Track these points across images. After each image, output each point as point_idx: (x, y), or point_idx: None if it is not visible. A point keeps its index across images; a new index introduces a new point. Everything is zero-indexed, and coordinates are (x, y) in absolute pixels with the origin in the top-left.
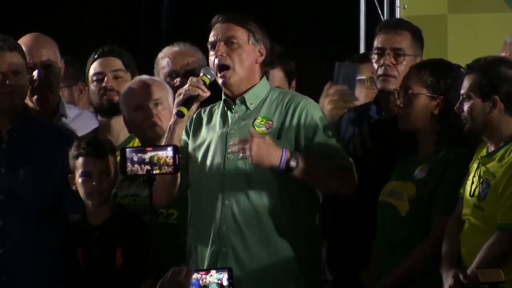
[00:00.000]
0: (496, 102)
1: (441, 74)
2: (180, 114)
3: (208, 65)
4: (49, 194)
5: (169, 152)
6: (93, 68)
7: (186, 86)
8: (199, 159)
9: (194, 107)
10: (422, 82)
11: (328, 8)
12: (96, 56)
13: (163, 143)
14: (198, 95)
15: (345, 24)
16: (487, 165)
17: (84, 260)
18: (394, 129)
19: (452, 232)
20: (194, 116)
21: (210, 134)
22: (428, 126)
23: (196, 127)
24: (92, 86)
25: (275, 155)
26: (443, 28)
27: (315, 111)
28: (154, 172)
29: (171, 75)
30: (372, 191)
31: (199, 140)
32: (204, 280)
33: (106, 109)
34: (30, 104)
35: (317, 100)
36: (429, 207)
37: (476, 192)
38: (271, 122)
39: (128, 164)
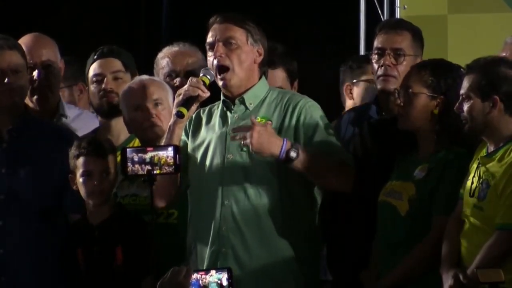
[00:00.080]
0: (496, 102)
1: (441, 74)
2: (180, 115)
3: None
4: (49, 194)
5: (170, 152)
6: (92, 69)
7: (186, 87)
8: (199, 159)
9: (194, 107)
10: (423, 82)
11: (328, 8)
12: (95, 56)
13: (162, 143)
14: (198, 95)
15: (345, 24)
16: (487, 165)
17: (84, 260)
18: (394, 129)
19: (452, 232)
20: (193, 116)
21: (209, 134)
22: (428, 126)
23: (195, 127)
24: (92, 87)
25: (276, 144)
26: (443, 28)
27: (314, 110)
28: (155, 172)
29: (171, 75)
30: (372, 191)
31: (199, 140)
32: (204, 280)
33: (106, 110)
34: (30, 104)
35: (317, 100)
36: (429, 207)
37: (476, 192)
38: (270, 122)
39: (129, 164)
